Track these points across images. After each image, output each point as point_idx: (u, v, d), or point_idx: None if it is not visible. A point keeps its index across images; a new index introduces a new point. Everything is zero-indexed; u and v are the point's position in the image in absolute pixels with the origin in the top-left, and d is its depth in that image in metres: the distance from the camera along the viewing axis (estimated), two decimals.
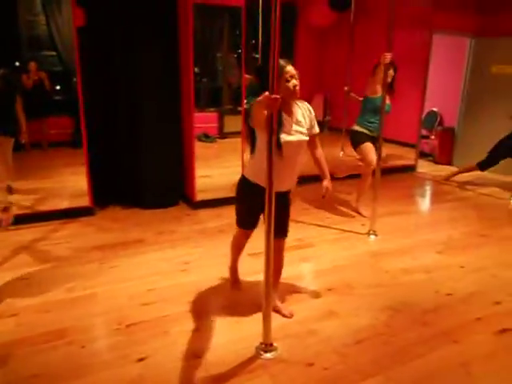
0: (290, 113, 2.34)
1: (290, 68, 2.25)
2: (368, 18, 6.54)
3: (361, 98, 4.47)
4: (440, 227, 4.21)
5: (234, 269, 2.94)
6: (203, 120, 5.11)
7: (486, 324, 2.61)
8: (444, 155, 6.93)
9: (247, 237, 2.70)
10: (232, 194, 2.61)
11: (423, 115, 7.40)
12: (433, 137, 7.25)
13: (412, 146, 6.65)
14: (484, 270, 3.30)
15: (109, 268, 3.19)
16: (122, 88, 4.26)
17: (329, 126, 7.91)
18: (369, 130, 4.19)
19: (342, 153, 7.09)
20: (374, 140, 4.05)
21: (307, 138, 2.39)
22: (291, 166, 2.36)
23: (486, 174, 5.97)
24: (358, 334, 2.45)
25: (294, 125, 2.33)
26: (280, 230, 2.44)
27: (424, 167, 6.74)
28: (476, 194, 5.36)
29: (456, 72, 6.77)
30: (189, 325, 2.51)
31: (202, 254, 3.45)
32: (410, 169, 6.46)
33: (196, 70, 4.40)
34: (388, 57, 3.54)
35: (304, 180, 5.30)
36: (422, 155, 7.21)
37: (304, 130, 2.38)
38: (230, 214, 2.84)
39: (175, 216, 4.31)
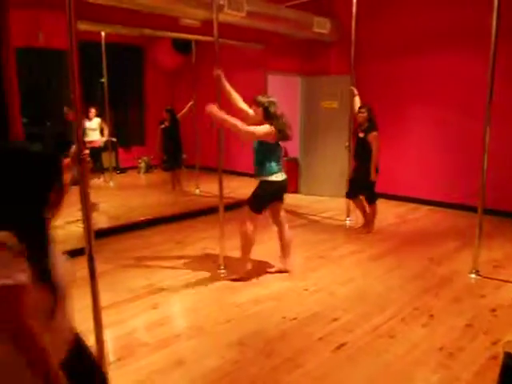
0: None
1: None
2: (208, 61, 6.93)
3: None
4: None
5: None
6: None
7: (326, 342, 2.76)
8: (291, 184, 7.42)
9: None
10: None
11: None
12: None
13: None
14: (323, 289, 3.54)
15: None
16: None
17: (185, 163, 7.93)
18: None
19: (198, 190, 7.17)
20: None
21: None
22: None
23: (325, 199, 6.63)
24: (204, 379, 2.39)
25: None
26: None
27: None
28: (319, 218, 5.81)
29: (292, 107, 7.39)
30: None
31: None
32: None
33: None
34: None
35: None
36: None
37: None
38: None
39: None
